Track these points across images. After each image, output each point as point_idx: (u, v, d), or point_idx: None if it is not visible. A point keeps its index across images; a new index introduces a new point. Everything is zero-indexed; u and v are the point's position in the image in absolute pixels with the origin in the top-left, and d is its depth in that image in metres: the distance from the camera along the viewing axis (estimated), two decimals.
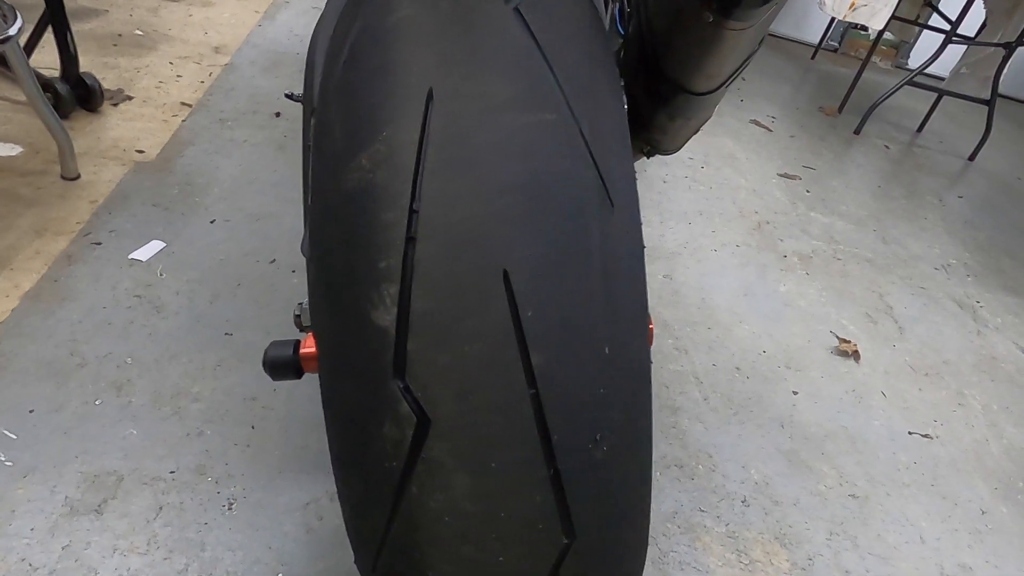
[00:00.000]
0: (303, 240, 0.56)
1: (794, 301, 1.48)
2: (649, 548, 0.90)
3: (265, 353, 0.62)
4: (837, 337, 1.40)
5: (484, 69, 0.39)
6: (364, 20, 0.44)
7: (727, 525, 0.95)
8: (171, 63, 1.84)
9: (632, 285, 0.40)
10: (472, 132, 0.37)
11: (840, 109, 2.70)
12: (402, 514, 0.37)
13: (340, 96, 0.42)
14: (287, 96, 0.99)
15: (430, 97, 0.38)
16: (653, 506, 0.96)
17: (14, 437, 0.83)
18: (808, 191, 2.02)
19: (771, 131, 2.36)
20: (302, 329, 0.68)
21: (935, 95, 2.65)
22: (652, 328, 0.54)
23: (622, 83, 0.64)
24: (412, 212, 0.36)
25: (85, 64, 1.64)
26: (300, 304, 0.69)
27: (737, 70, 0.62)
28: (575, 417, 0.37)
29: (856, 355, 1.36)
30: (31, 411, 0.87)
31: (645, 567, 0.88)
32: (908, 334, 1.48)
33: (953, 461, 1.17)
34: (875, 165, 2.33)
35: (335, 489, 0.85)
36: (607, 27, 0.67)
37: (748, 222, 1.76)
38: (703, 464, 1.04)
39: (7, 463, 0.80)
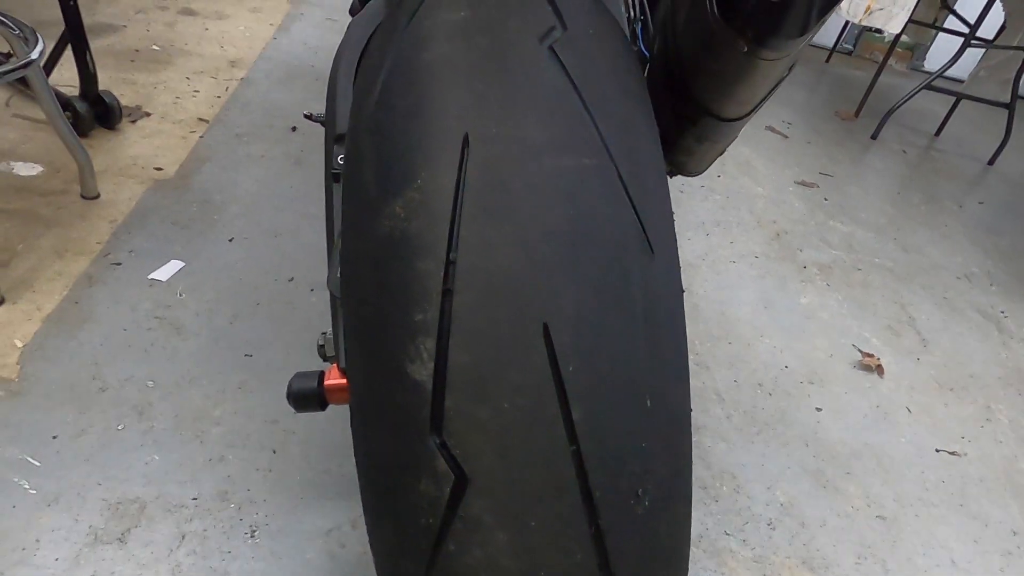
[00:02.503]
0: (329, 276, 0.55)
1: (815, 313, 1.47)
2: None
3: (289, 385, 0.62)
4: (860, 351, 1.38)
5: (520, 112, 0.38)
6: (396, 56, 0.43)
7: (753, 549, 0.94)
8: (188, 78, 1.85)
9: (673, 332, 0.39)
10: (509, 179, 0.37)
11: (856, 113, 2.68)
12: (439, 571, 0.36)
13: (372, 137, 0.42)
14: (306, 116, 0.99)
15: (466, 142, 0.37)
16: None
17: (38, 464, 0.83)
18: (826, 199, 1.99)
19: (787, 137, 2.34)
20: (325, 359, 0.67)
21: (953, 98, 2.62)
22: None
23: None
24: (449, 263, 0.36)
25: (103, 80, 1.65)
26: (324, 334, 0.68)
27: (767, 96, 0.61)
28: (617, 473, 0.36)
29: (880, 369, 1.34)
30: (54, 437, 0.87)
31: None
32: (932, 347, 1.45)
33: (982, 479, 1.15)
34: (893, 170, 2.30)
35: (357, 516, 0.85)
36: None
37: (766, 232, 1.74)
38: (727, 485, 1.02)
39: (31, 491, 0.80)
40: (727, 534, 0.95)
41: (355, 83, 0.49)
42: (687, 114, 0.66)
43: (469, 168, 0.37)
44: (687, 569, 0.42)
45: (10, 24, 1.14)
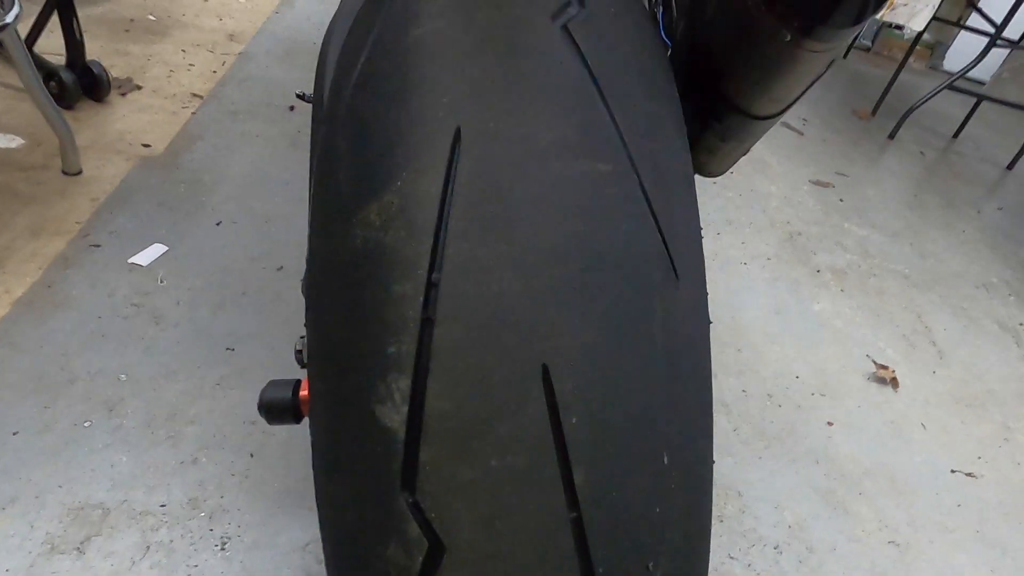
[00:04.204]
0: (303, 279, 0.49)
1: (829, 321, 1.40)
2: None
3: (261, 395, 0.56)
4: (874, 362, 1.31)
5: (525, 104, 0.31)
6: (382, 30, 0.36)
7: (759, 574, 0.88)
8: (183, 51, 1.78)
9: (697, 373, 0.33)
10: (508, 185, 0.30)
11: (874, 112, 2.59)
12: None
13: (348, 127, 0.35)
14: (299, 96, 0.92)
15: (457, 138, 0.31)
16: None
17: None
18: (841, 200, 1.92)
19: (803, 135, 2.27)
20: (303, 366, 0.61)
21: (972, 100, 2.53)
22: None
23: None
24: (431, 285, 0.29)
25: (95, 50, 1.59)
26: (301, 338, 0.62)
27: (803, 93, 0.54)
28: (625, 544, 0.30)
29: (894, 382, 1.28)
30: (15, 433, 0.81)
31: None
32: (949, 359, 1.39)
33: (1000, 503, 1.09)
34: (910, 172, 2.22)
35: None
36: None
37: (779, 233, 1.67)
38: (732, 504, 0.97)
39: None
40: (731, 557, 0.89)
41: (338, 61, 0.42)
42: (712, 110, 0.59)
43: (460, 170, 0.30)
44: None
45: None
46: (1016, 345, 1.50)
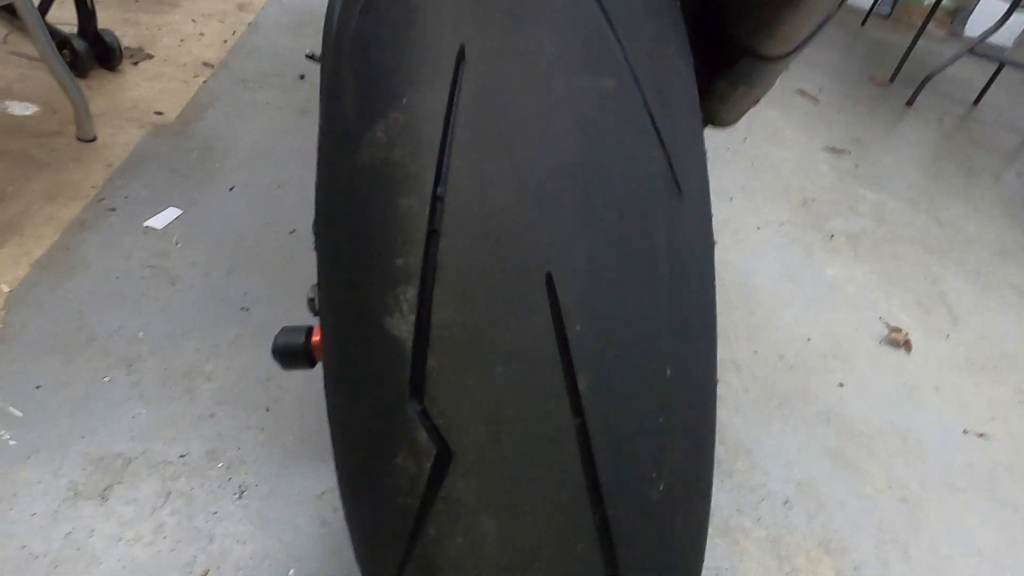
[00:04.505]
0: (314, 219, 0.50)
1: (841, 285, 1.39)
2: None
3: (275, 340, 0.57)
4: (887, 326, 1.31)
5: (528, 21, 0.31)
6: None
7: (768, 529, 0.89)
8: (194, 20, 1.78)
9: (701, 291, 0.33)
10: (511, 101, 0.30)
11: (892, 79, 2.55)
12: (418, 557, 0.31)
13: (354, 52, 0.35)
14: (307, 56, 0.92)
15: (461, 56, 0.31)
16: None
17: (20, 415, 0.79)
18: (857, 166, 1.90)
19: (818, 102, 2.23)
20: (315, 313, 0.62)
21: (994, 66, 2.48)
22: None
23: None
24: (436, 199, 0.30)
25: (107, 20, 1.59)
26: (314, 286, 0.63)
27: (816, 31, 0.53)
28: (628, 452, 0.30)
29: (907, 345, 1.27)
30: (38, 387, 0.83)
31: None
32: (963, 324, 1.38)
33: (1012, 464, 1.09)
34: (928, 139, 2.19)
35: None
36: None
37: (793, 199, 1.66)
38: (742, 461, 0.97)
39: (11, 442, 0.77)
40: (740, 512, 0.90)
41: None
42: (721, 52, 0.58)
43: (464, 87, 0.30)
44: (701, 565, 0.36)
45: None
46: None
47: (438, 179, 0.30)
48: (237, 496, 0.77)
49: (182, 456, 0.80)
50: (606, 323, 0.29)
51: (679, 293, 0.32)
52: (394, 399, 0.30)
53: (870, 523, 0.93)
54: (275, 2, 1.96)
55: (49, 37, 1.15)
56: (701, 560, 0.36)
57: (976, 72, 2.73)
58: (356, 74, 0.34)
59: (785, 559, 0.86)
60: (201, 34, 1.72)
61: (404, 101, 0.31)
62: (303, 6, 1.98)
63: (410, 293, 0.30)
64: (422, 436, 0.30)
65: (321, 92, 0.50)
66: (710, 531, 0.87)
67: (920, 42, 2.53)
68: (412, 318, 0.29)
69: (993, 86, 2.59)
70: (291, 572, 0.71)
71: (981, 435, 1.13)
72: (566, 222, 0.29)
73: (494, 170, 0.30)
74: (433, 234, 0.30)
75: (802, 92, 2.27)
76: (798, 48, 0.56)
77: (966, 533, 0.95)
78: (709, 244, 0.35)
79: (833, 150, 1.95)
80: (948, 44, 3.16)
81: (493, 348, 0.29)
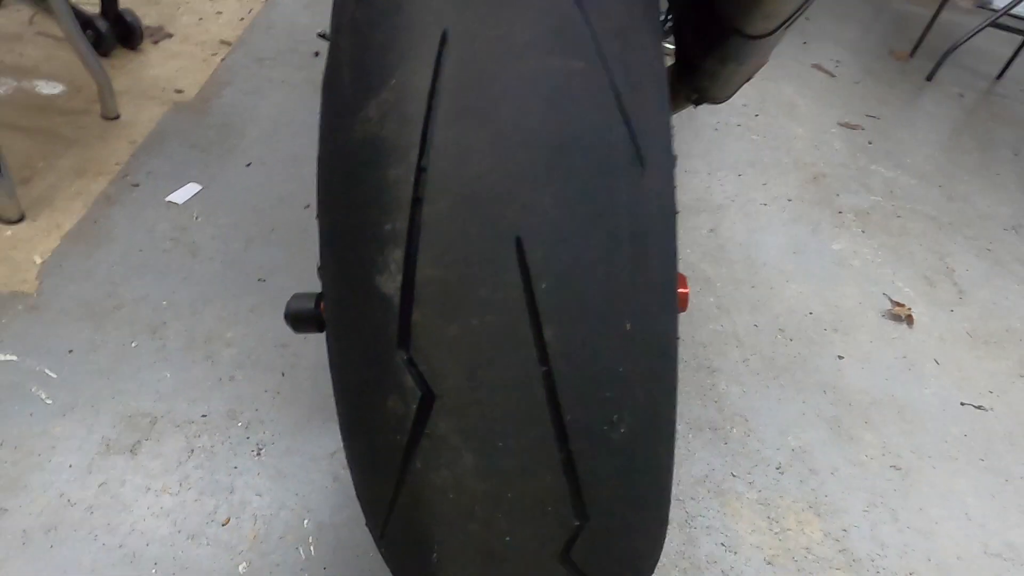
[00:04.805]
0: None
1: (847, 260, 1.41)
2: (677, 511, 0.88)
3: (287, 305, 0.61)
4: (891, 300, 1.33)
5: (505, 7, 0.35)
6: None
7: (760, 491, 0.93)
8: None
9: (661, 254, 0.37)
10: (488, 80, 0.34)
11: (912, 53, 2.51)
12: (407, 487, 0.36)
13: (351, 35, 0.39)
14: (319, 35, 0.95)
15: (444, 39, 0.34)
16: (682, 468, 0.93)
17: (54, 376, 0.85)
18: (871, 142, 1.89)
19: (834, 76, 2.22)
20: None
21: (1019, 39, 2.43)
22: (687, 292, 0.50)
23: (668, 20, 0.59)
24: (420, 170, 0.33)
25: (127, 0, 1.63)
26: None
27: (799, 10, 0.56)
28: (590, 396, 0.34)
29: (910, 319, 1.29)
30: (70, 351, 0.88)
31: (670, 530, 0.87)
32: (969, 299, 1.39)
33: (1008, 435, 1.11)
34: (947, 114, 2.17)
35: None
36: None
37: (803, 175, 1.66)
38: (738, 428, 1.01)
39: (47, 401, 0.83)
40: (733, 475, 0.94)
41: None
42: (709, 31, 0.61)
43: (446, 67, 0.34)
44: (668, 498, 0.40)
45: None
46: None
47: (422, 152, 0.33)
48: (255, 453, 0.82)
49: (204, 416, 0.85)
50: (569, 281, 0.33)
51: (639, 255, 0.35)
52: (384, 349, 0.34)
53: (861, 488, 0.96)
54: None
55: (74, 17, 1.19)
56: (666, 497, 0.40)
57: (1001, 45, 2.67)
58: (352, 56, 0.38)
59: (775, 520, 0.89)
60: (219, 12, 1.75)
61: (393, 81, 0.35)
62: None
63: (397, 254, 0.33)
64: (409, 381, 0.34)
65: (324, 72, 0.53)
66: (704, 492, 0.91)
67: (944, 14, 2.48)
68: (399, 277, 0.33)
69: (1018, 59, 2.54)
70: (305, 521, 0.76)
71: (979, 407, 1.15)
72: (534, 191, 0.33)
73: (471, 144, 0.33)
74: (417, 201, 0.33)
75: (818, 67, 2.25)
76: (783, 26, 0.58)
77: (956, 498, 0.98)
78: (671, 212, 0.38)
79: (848, 126, 1.94)
80: (974, 16, 3.09)
81: (470, 303, 0.33)
